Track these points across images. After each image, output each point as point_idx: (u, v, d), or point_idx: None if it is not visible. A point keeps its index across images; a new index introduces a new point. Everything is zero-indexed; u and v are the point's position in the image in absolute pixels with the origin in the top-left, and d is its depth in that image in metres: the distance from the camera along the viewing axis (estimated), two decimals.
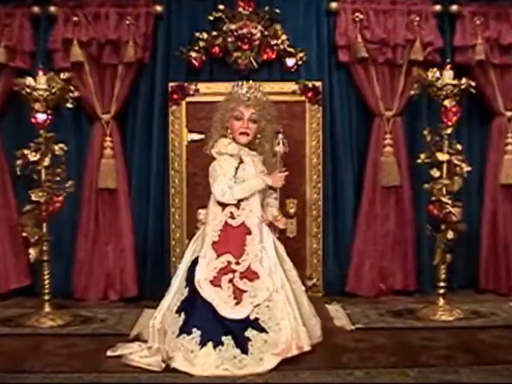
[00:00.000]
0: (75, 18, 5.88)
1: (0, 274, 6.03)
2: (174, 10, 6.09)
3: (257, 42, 6.00)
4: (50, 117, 5.35)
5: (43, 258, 5.42)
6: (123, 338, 4.91)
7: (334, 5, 6.06)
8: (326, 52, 6.16)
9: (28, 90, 5.23)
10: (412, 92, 5.72)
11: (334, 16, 6.08)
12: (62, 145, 5.41)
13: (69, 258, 6.12)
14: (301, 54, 6.07)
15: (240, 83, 4.84)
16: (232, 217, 4.65)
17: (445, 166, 5.48)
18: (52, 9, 5.94)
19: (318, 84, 6.09)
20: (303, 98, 6.10)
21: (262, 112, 4.74)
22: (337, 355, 4.66)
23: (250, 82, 4.92)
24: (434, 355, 4.63)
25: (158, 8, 6.02)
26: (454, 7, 6.10)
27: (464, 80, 5.44)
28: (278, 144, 4.76)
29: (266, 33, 6.00)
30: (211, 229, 4.62)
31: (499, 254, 6.19)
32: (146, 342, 4.70)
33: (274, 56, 6.07)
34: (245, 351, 4.33)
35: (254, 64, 6.04)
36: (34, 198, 5.27)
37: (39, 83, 5.27)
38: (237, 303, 4.43)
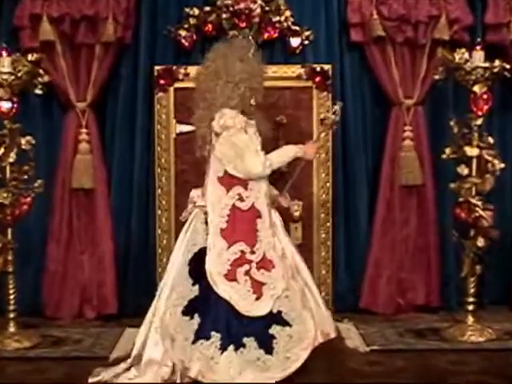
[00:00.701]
0: None
1: None
2: None
3: (256, 19, 5.98)
4: (15, 105, 5.35)
5: (7, 269, 5.42)
6: (101, 362, 4.89)
7: None
8: (336, 31, 6.17)
9: None
10: (436, 77, 5.71)
11: None
12: (29, 137, 5.39)
13: (38, 269, 6.10)
14: (307, 33, 6.07)
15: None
16: (241, 199, 4.65)
17: (474, 162, 5.48)
18: None
19: (327, 67, 6.09)
20: (310, 83, 6.08)
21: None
22: (349, 381, 4.67)
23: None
24: (463, 382, 4.65)
25: None
26: None
27: (497, 62, 5.42)
28: (334, 113, 4.97)
29: (267, 8, 6.00)
30: (217, 214, 4.62)
31: None
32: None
33: (276, 35, 6.07)
34: (269, 351, 4.45)
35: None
36: None
37: (2, 66, 5.25)
38: (257, 298, 4.51)
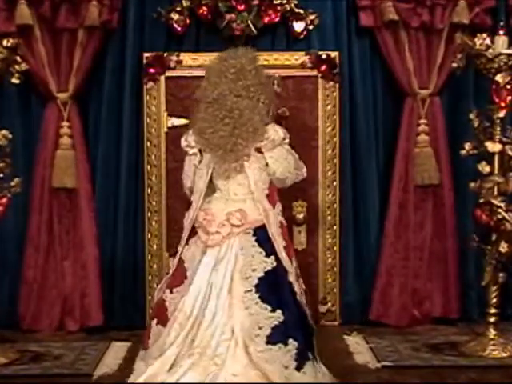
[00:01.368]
0: None
1: None
2: None
3: (256, 1, 5.99)
4: None
5: None
6: (84, 380, 4.90)
7: None
8: (344, 14, 6.20)
9: None
10: (454, 64, 5.67)
11: None
12: (5, 132, 5.38)
13: (14, 278, 6.10)
14: (312, 17, 6.09)
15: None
16: (280, 214, 4.95)
17: (496, 158, 5.48)
18: None
19: (334, 55, 6.12)
20: (315, 72, 6.11)
21: None
22: None
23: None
24: None
25: None
26: None
27: None
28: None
29: None
30: (276, 232, 4.79)
31: None
32: None
33: (277, 19, 6.08)
34: None
35: (253, 29, 6.04)
36: None
37: None
38: None
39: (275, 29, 6.12)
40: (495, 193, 5.46)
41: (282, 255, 4.73)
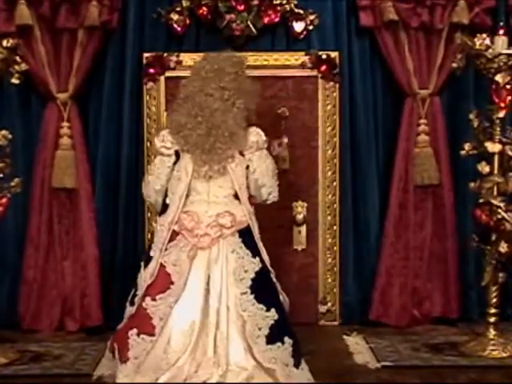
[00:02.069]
0: None
1: None
2: None
3: (255, 1, 5.99)
4: None
5: None
6: (84, 380, 4.90)
7: None
8: (344, 14, 6.18)
9: None
10: (454, 65, 5.67)
11: None
12: (5, 132, 5.36)
13: (14, 278, 6.10)
14: (312, 17, 6.08)
15: None
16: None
17: (496, 159, 5.47)
18: None
19: (334, 55, 6.11)
20: (315, 72, 6.11)
21: None
22: None
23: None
24: None
25: None
26: None
27: None
28: (280, 145, 5.33)
29: None
30: (257, 234, 4.83)
31: None
32: None
33: (277, 19, 6.07)
34: None
35: (253, 29, 6.04)
36: None
37: None
38: None
39: (275, 29, 6.11)
40: (495, 193, 5.45)
41: (265, 257, 4.74)
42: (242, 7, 5.96)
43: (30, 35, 5.91)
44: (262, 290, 4.66)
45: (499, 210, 5.40)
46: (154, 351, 4.52)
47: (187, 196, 4.73)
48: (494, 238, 5.47)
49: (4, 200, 5.35)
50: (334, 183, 6.16)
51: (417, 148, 6.14)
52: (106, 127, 6.14)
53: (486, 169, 5.45)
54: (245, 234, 4.72)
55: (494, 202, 5.42)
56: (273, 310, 4.62)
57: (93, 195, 6.11)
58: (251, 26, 6.00)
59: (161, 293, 4.59)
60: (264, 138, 4.83)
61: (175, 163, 4.77)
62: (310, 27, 6.07)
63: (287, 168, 6.01)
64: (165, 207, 4.79)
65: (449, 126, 6.20)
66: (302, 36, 6.09)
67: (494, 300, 5.55)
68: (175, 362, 4.48)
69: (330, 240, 6.16)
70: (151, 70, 6.04)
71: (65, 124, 6.02)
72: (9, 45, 5.37)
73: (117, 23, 6.03)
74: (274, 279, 4.75)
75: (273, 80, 6.03)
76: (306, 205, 6.11)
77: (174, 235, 4.69)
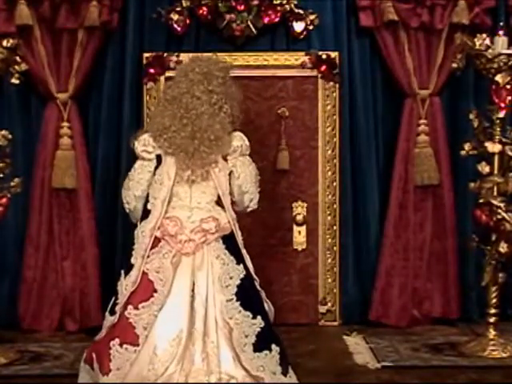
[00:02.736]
0: None
1: None
2: None
3: (256, 2, 5.99)
4: None
5: None
6: None
7: None
8: (343, 14, 6.18)
9: None
10: (454, 65, 5.70)
11: None
12: (5, 132, 5.37)
13: (14, 278, 6.10)
14: (312, 17, 6.07)
15: None
16: None
17: (496, 159, 5.48)
18: None
19: (334, 55, 6.11)
20: (315, 72, 6.10)
21: None
22: None
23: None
24: None
25: None
26: None
27: None
28: None
29: None
30: (239, 238, 4.73)
31: None
32: None
33: (277, 19, 6.07)
34: None
35: (253, 29, 6.03)
36: None
37: None
38: None
39: (275, 29, 6.11)
40: (495, 193, 5.45)
41: (249, 264, 4.64)
42: (242, 7, 5.96)
43: (30, 35, 5.91)
44: (247, 297, 4.56)
45: (499, 210, 5.40)
46: (138, 362, 4.36)
47: (169, 201, 4.60)
48: (494, 238, 5.48)
49: (4, 200, 5.36)
50: (334, 183, 6.16)
51: (417, 148, 6.13)
52: (106, 127, 6.14)
53: (486, 169, 5.46)
54: (228, 241, 4.61)
55: (494, 202, 5.42)
56: (259, 317, 4.52)
57: (93, 195, 6.11)
58: (251, 25, 5.99)
59: (143, 301, 4.45)
60: (247, 143, 4.74)
61: (156, 168, 4.64)
62: (310, 27, 6.07)
63: (287, 168, 6.02)
64: (146, 213, 4.65)
65: (449, 126, 6.20)
66: (302, 36, 6.09)
67: (494, 300, 5.55)
68: (164, 372, 4.35)
69: (329, 240, 6.16)
70: (151, 70, 6.03)
71: (65, 124, 6.02)
72: (9, 45, 5.38)
73: (117, 23, 6.03)
74: (259, 287, 4.65)
75: (273, 80, 6.03)
76: (305, 205, 6.11)
77: (157, 242, 4.55)
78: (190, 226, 4.55)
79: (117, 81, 6.11)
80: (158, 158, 4.62)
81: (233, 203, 4.71)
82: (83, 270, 6.05)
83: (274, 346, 4.49)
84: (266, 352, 4.46)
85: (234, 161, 4.66)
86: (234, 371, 4.41)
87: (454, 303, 6.18)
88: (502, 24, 5.58)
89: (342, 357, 5.38)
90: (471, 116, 5.50)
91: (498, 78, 5.38)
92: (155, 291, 4.46)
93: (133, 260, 4.58)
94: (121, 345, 4.40)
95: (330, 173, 6.15)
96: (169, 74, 5.98)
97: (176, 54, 6.02)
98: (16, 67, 5.42)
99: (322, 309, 6.15)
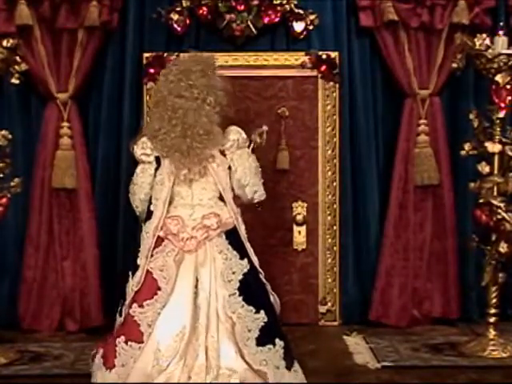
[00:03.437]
0: None
1: None
2: None
3: (255, 2, 5.99)
4: None
5: None
6: (84, 380, 4.84)
7: None
8: (343, 14, 6.19)
9: None
10: (454, 65, 5.70)
11: None
12: (5, 132, 5.37)
13: (14, 278, 6.10)
14: (312, 17, 6.08)
15: None
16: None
17: (496, 159, 5.48)
18: None
19: (334, 55, 6.12)
20: (315, 72, 6.11)
21: None
22: None
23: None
24: None
25: None
26: None
27: None
28: (261, 135, 4.93)
29: None
30: (243, 233, 4.73)
31: None
32: None
33: (277, 19, 6.07)
34: None
35: (253, 29, 6.04)
36: None
37: None
38: None
39: (275, 29, 6.12)
40: (495, 193, 5.45)
41: (254, 257, 4.67)
42: (242, 7, 5.96)
43: (30, 35, 5.91)
44: (250, 291, 4.59)
45: (499, 210, 5.40)
46: (142, 358, 4.43)
47: (171, 201, 4.65)
48: (494, 238, 5.48)
49: (4, 200, 5.36)
50: (334, 183, 6.16)
51: (417, 148, 6.13)
52: (106, 127, 6.15)
53: (486, 169, 5.46)
54: (231, 235, 4.64)
55: (494, 202, 5.42)
56: (262, 311, 4.54)
57: (93, 195, 6.11)
58: (251, 25, 6.00)
59: (148, 299, 4.50)
60: (244, 136, 4.75)
61: (157, 169, 4.68)
62: (310, 27, 6.08)
63: (287, 168, 6.02)
64: (149, 214, 4.70)
65: (449, 126, 6.20)
66: (302, 36, 6.10)
67: (494, 300, 5.55)
68: (167, 368, 4.40)
69: (329, 240, 6.16)
70: (151, 70, 6.02)
71: (65, 124, 6.02)
72: (9, 45, 5.39)
73: (117, 23, 6.04)
74: (264, 280, 4.68)
75: (273, 80, 6.03)
76: (305, 205, 6.11)
77: (160, 241, 4.60)
78: (191, 223, 4.60)
79: (117, 81, 6.12)
80: (158, 160, 4.66)
81: (236, 197, 4.73)
82: (83, 270, 6.05)
83: (278, 341, 4.51)
84: (270, 346, 4.48)
85: (232, 155, 4.69)
86: (234, 365, 4.44)
87: (454, 303, 6.19)
88: (501, 24, 5.58)
89: (341, 357, 5.38)
90: (471, 116, 5.50)
91: (498, 78, 5.38)
92: (159, 289, 4.51)
93: (138, 261, 4.63)
94: (126, 342, 4.47)
95: (330, 173, 6.15)
96: None
97: (176, 53, 5.99)
98: (16, 67, 5.42)
99: (322, 309, 6.16)
